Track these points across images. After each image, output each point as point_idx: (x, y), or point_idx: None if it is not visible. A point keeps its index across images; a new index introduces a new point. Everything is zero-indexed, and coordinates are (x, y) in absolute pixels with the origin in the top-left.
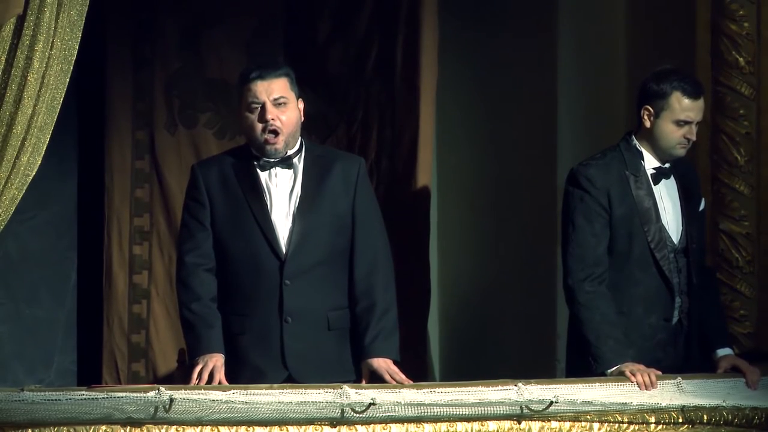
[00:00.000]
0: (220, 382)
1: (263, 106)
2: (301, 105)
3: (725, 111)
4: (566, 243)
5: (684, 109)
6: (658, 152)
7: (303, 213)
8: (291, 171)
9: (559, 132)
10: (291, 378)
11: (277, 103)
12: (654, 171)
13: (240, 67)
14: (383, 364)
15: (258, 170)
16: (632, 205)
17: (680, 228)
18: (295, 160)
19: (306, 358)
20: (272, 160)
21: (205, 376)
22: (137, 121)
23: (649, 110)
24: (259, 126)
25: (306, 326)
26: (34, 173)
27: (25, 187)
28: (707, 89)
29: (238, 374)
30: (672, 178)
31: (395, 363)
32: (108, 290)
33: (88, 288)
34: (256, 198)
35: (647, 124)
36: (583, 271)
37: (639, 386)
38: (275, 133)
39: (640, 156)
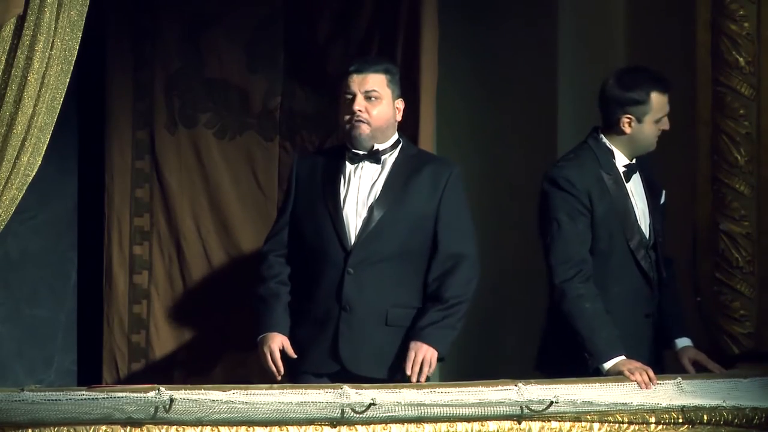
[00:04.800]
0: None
1: (354, 98)
2: (401, 105)
3: (725, 111)
4: (551, 243)
5: (663, 105)
6: (634, 150)
7: (380, 206)
8: (378, 166)
9: (559, 131)
10: (344, 370)
11: (368, 97)
12: (625, 168)
13: (240, 66)
14: (421, 352)
15: (347, 162)
16: (610, 204)
17: (648, 223)
18: (385, 156)
19: (358, 349)
20: (361, 152)
21: (271, 367)
22: (137, 121)
23: (630, 118)
24: (347, 117)
25: (363, 317)
26: (34, 173)
27: (25, 187)
28: (708, 89)
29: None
30: (637, 173)
31: (440, 360)
32: (108, 290)
33: (88, 288)
34: (332, 187)
35: (627, 130)
36: (571, 269)
37: (639, 385)
38: (360, 122)
39: (612, 154)
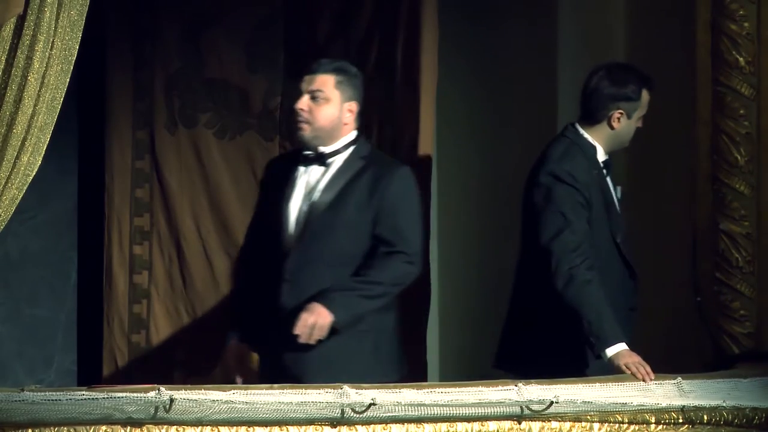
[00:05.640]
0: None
1: (300, 97)
2: (354, 107)
3: (725, 111)
4: (556, 234)
5: (647, 103)
6: (614, 146)
7: (317, 209)
8: (324, 168)
9: (559, 130)
10: (290, 377)
11: (314, 96)
12: (602, 164)
13: (240, 66)
14: (314, 316)
15: (300, 165)
16: (600, 198)
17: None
18: (333, 159)
19: (300, 356)
20: (310, 155)
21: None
22: (137, 121)
23: (621, 113)
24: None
25: None
26: (34, 173)
27: (25, 187)
28: (708, 89)
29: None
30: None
31: (335, 330)
32: (108, 290)
33: (88, 288)
34: (277, 192)
35: (617, 125)
36: (578, 257)
37: (636, 376)
38: (302, 121)
39: (595, 149)
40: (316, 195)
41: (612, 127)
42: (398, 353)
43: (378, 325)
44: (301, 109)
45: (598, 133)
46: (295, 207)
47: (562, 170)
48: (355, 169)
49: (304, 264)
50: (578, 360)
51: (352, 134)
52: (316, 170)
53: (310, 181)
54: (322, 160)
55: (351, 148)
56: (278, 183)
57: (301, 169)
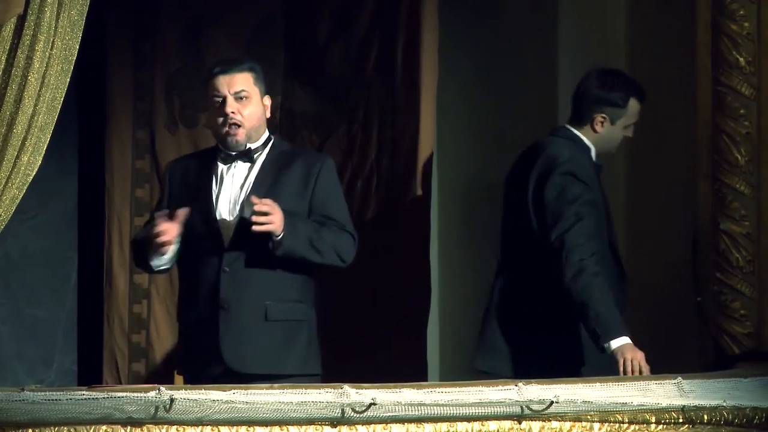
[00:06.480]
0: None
1: (224, 100)
2: (268, 101)
3: (726, 111)
4: (570, 227)
5: (636, 113)
6: (599, 149)
7: (249, 206)
8: (249, 164)
9: None
10: (229, 370)
11: (238, 97)
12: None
13: None
14: (275, 207)
15: (220, 163)
16: (600, 199)
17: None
18: (257, 154)
19: (240, 348)
20: (233, 153)
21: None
22: (137, 121)
23: (604, 118)
24: (220, 120)
25: (242, 315)
26: (34, 173)
27: (25, 187)
28: (708, 89)
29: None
30: None
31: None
32: (108, 290)
33: (88, 288)
34: (205, 188)
35: (599, 129)
36: (589, 250)
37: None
38: (236, 125)
39: (590, 151)
40: (248, 189)
41: (594, 131)
42: (320, 350)
43: (310, 317)
44: (232, 112)
45: (586, 135)
46: (226, 204)
47: (577, 169)
48: (282, 161)
49: (241, 256)
50: (571, 360)
51: (267, 129)
52: (241, 167)
53: (237, 178)
54: (249, 156)
55: (271, 142)
56: (196, 182)
57: (222, 166)
